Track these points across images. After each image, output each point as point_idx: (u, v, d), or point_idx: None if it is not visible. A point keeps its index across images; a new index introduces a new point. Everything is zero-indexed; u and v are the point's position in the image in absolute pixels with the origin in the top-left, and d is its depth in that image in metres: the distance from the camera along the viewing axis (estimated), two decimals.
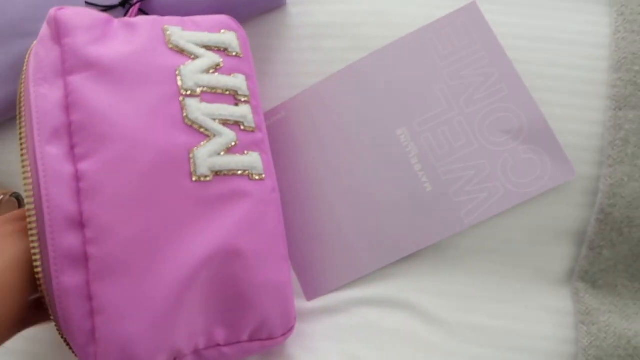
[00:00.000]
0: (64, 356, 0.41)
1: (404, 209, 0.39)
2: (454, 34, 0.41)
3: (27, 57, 0.35)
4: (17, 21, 0.42)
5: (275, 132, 0.43)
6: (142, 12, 0.42)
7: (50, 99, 0.33)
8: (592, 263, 0.37)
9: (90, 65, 0.33)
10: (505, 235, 0.39)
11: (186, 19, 0.39)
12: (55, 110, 0.32)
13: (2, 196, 0.42)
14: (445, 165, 0.39)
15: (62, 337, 0.33)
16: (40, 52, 0.34)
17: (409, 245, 0.39)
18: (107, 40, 0.35)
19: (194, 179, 0.34)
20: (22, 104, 0.34)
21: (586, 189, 0.38)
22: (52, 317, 0.32)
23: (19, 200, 0.44)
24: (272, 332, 0.35)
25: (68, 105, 0.32)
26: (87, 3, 0.42)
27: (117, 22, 0.37)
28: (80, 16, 0.35)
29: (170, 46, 0.36)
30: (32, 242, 0.31)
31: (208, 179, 0.34)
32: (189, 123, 0.35)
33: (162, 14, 0.42)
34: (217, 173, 0.35)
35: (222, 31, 0.39)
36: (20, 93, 0.34)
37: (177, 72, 0.36)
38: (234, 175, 0.35)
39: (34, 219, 0.31)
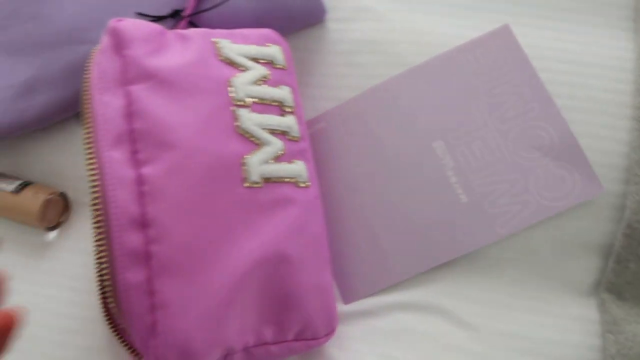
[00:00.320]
0: None
1: (439, 218, 0.41)
2: (488, 54, 0.43)
3: (89, 64, 0.37)
4: (66, 30, 0.44)
5: (315, 141, 0.45)
6: (191, 24, 0.44)
7: (113, 106, 0.34)
8: (619, 275, 0.39)
9: (149, 76, 0.35)
10: (535, 247, 0.40)
11: (234, 32, 0.41)
12: (118, 118, 0.34)
13: (51, 195, 0.44)
14: (480, 177, 0.41)
15: (116, 335, 0.35)
16: (103, 62, 0.36)
17: (443, 253, 0.41)
18: (163, 52, 0.37)
19: (246, 185, 0.35)
20: (87, 110, 0.36)
21: (613, 205, 0.40)
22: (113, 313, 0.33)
23: (65, 199, 0.45)
24: (316, 333, 0.37)
25: (130, 114, 0.34)
26: (137, 13, 0.43)
27: (171, 34, 0.38)
28: (138, 28, 0.37)
29: (221, 58, 0.38)
30: (99, 240, 0.33)
31: (259, 185, 0.36)
32: (241, 132, 0.36)
33: (209, 27, 0.44)
34: (267, 180, 0.36)
35: (268, 44, 0.41)
36: (85, 99, 0.36)
37: (229, 84, 0.37)
38: (282, 182, 0.37)
39: (100, 218, 0.33)
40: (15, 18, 0.44)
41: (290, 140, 0.39)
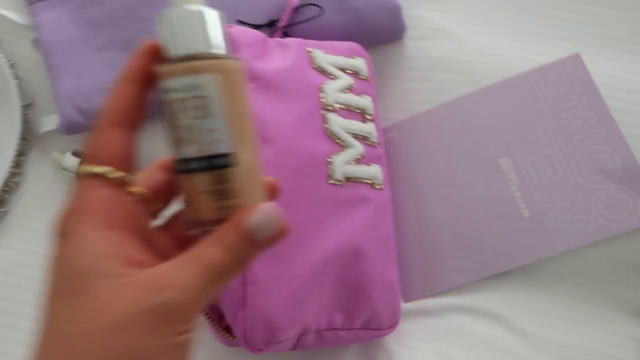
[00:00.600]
0: None
1: (501, 230, 0.44)
2: (558, 80, 0.46)
3: None
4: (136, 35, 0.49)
5: (386, 149, 0.48)
6: (285, 34, 0.48)
7: None
8: None
9: (255, 78, 0.39)
10: (591, 264, 0.43)
11: (324, 43, 0.45)
12: None
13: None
14: (543, 195, 0.43)
15: (205, 315, 0.39)
16: None
17: (502, 263, 0.43)
18: (266, 57, 0.41)
19: (330, 182, 0.39)
20: None
21: None
22: None
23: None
24: (381, 324, 0.40)
25: None
26: (238, 21, 0.48)
27: (272, 41, 0.43)
28: (245, 34, 0.41)
29: (314, 66, 0.42)
30: None
31: (341, 183, 0.40)
32: (329, 134, 0.40)
33: (301, 37, 0.48)
34: (348, 179, 0.40)
35: (354, 56, 0.45)
36: None
37: (320, 90, 0.41)
38: (361, 182, 0.41)
39: None
40: (131, 18, 0.49)
41: (369, 145, 0.43)
